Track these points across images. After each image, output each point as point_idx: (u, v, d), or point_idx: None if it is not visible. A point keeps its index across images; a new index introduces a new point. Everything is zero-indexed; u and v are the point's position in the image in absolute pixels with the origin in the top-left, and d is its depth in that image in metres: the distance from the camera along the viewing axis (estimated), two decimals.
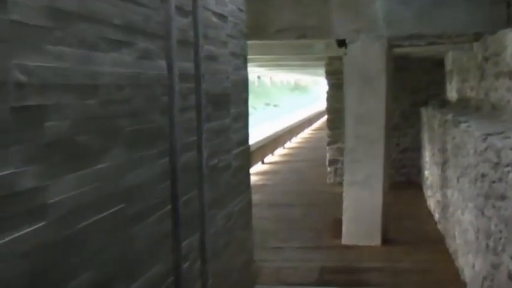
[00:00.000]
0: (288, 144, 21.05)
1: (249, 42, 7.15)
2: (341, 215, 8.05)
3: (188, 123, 4.02)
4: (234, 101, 5.28)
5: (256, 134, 19.54)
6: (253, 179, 13.58)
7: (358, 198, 7.73)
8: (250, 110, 18.03)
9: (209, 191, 4.43)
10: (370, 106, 7.46)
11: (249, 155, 6.08)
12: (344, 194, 7.92)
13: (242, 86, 5.61)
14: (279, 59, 13.84)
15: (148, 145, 3.34)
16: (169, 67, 3.68)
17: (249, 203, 6.01)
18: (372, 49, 7.46)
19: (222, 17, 4.93)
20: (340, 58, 11.69)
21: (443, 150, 7.96)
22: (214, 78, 4.66)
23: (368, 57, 7.49)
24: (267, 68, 20.38)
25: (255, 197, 11.30)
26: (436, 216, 8.87)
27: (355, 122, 7.55)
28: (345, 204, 7.91)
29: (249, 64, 15.26)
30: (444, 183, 7.84)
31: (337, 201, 10.27)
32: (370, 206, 7.70)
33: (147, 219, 3.30)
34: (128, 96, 3.06)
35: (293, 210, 10.04)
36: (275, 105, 28.15)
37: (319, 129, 27.62)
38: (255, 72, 25.99)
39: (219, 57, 4.81)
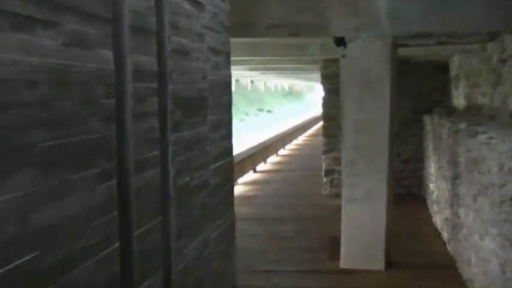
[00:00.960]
0: (282, 152, 20.18)
1: (235, 40, 6.31)
2: (338, 231, 7.17)
3: (147, 134, 3.14)
4: (213, 105, 4.41)
5: (248, 141, 18.68)
6: (243, 189, 12.76)
7: (358, 217, 6.85)
8: (243, 116, 17.21)
9: (177, 217, 3.55)
10: (372, 113, 6.59)
11: (232, 170, 5.21)
12: (342, 212, 7.03)
13: (223, 88, 4.73)
14: (271, 61, 12.98)
15: (81, 165, 2.45)
16: (119, 60, 2.80)
17: (231, 226, 5.14)
18: (374, 49, 6.59)
19: (197, 3, 4.05)
20: (337, 61, 10.86)
21: (453, 163, 7.10)
22: (185, 78, 3.78)
23: (369, 57, 6.61)
24: (260, 72, 19.52)
25: (244, 211, 10.48)
26: (445, 235, 8.00)
27: (355, 131, 6.68)
28: (344, 223, 7.02)
29: (238, 67, 14.25)
30: (455, 201, 6.98)
31: (333, 215, 9.38)
32: (372, 226, 6.81)
33: (79, 266, 2.41)
34: (44, 98, 2.17)
35: (285, 225, 9.15)
36: (269, 111, 27.28)
37: (314, 135, 26.77)
38: (247, 77, 25.18)
39: (192, 53, 3.93)
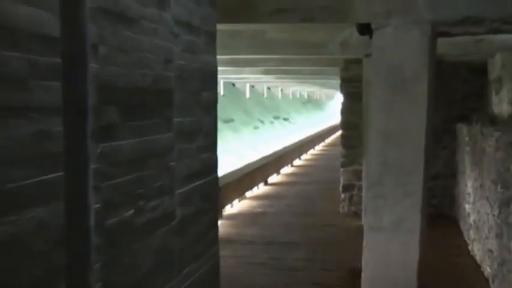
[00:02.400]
0: (297, 162, 18.78)
1: (243, 32, 4.98)
2: (358, 262, 5.79)
3: (36, 144, 1.79)
4: (183, 103, 3.06)
5: (261, 150, 17.34)
6: (250, 205, 11.28)
7: (384, 250, 5.44)
8: (257, 123, 15.82)
9: (105, 274, 2.20)
10: (405, 121, 5.19)
11: (216, 194, 3.84)
12: (364, 243, 5.62)
13: (202, 80, 3.38)
14: (285, 61, 11.63)
15: None
16: None
17: (213, 272, 3.76)
18: (409, 39, 5.19)
19: None
20: (359, 61, 9.50)
21: (503, 183, 5.70)
22: (128, 58, 2.43)
23: (402, 50, 5.22)
24: (275, 76, 18.18)
25: (249, 232, 9.08)
26: (487, 270, 6.60)
27: (382, 144, 5.28)
28: (366, 256, 5.61)
29: (251, 69, 12.69)
30: (505, 231, 5.58)
31: (352, 240, 8.02)
32: (402, 261, 5.40)
33: None
34: None
35: (296, 252, 7.76)
36: (285, 119, 25.92)
37: (332, 145, 25.36)
38: (263, 82, 23.88)
39: (143, 22, 2.58)
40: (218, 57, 4.03)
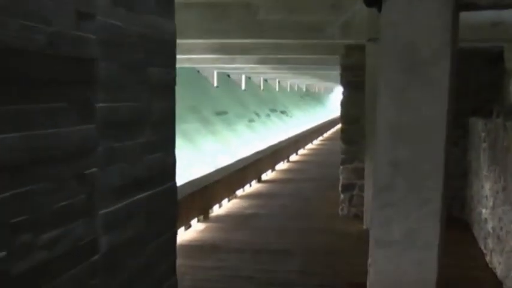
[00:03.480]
0: (293, 157, 17.79)
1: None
2: (360, 277, 4.82)
3: None
4: (115, 82, 2.06)
5: (255, 144, 16.37)
6: (240, 205, 10.15)
7: (395, 270, 4.45)
8: (252, 116, 14.80)
9: None
10: (422, 112, 4.19)
11: (172, 211, 2.84)
12: (370, 261, 4.62)
13: (148, 52, 2.38)
14: (277, 47, 10.65)
15: None
16: None
17: None
18: (428, 11, 4.20)
19: None
20: (361, 48, 8.52)
21: None
22: None
23: (420, 25, 4.23)
24: (270, 66, 17.17)
25: (236, 237, 7.87)
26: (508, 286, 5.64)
27: (393, 140, 4.27)
28: (372, 277, 4.61)
29: (243, 57, 11.56)
30: None
31: (353, 247, 7.07)
32: (415, 280, 4.42)
33: None
34: None
35: (288, 263, 6.78)
36: (282, 112, 24.94)
37: (330, 139, 24.38)
38: (259, 74, 22.89)
39: None
40: (205, 41, 3.10)
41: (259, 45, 10.57)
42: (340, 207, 9.26)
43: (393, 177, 4.27)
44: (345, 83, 9.51)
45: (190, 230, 8.19)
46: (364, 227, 8.19)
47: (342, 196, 9.26)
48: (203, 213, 8.88)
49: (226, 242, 7.58)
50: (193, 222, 8.55)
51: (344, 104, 9.50)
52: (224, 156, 12.86)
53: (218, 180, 9.76)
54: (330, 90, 45.22)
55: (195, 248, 7.31)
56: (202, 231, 8.16)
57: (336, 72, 17.75)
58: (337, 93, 48.70)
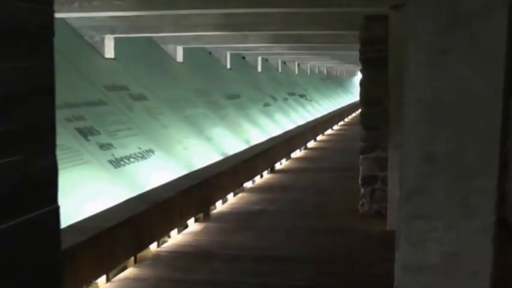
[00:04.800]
0: (312, 144, 16.58)
1: None
2: None
3: None
4: None
5: (270, 130, 15.17)
6: (247, 200, 8.34)
7: None
8: (269, 100, 13.53)
9: None
10: (468, 87, 2.97)
11: (55, 251, 1.66)
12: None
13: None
14: (290, 23, 9.46)
15: None
16: None
17: None
18: None
19: None
20: (383, 18, 7.31)
21: None
22: None
23: None
24: (288, 47, 15.96)
25: (236, 240, 6.51)
26: None
27: (428, 127, 3.05)
28: None
29: (251, 37, 10.53)
30: None
31: (374, 254, 5.91)
32: None
33: None
34: None
35: (295, 275, 5.59)
36: (301, 96, 23.67)
37: (352, 124, 23.12)
38: (276, 56, 21.66)
39: None
40: (207, 12, 1.98)
41: (267, 18, 9.39)
42: (360, 202, 8.05)
43: (428, 176, 3.06)
44: (364, 59, 8.26)
45: (185, 232, 7.04)
46: (388, 228, 7.00)
47: (362, 190, 8.04)
48: (203, 210, 7.72)
49: (224, 248, 6.42)
50: (191, 221, 7.39)
51: (364, 84, 8.26)
52: (233, 143, 11.66)
53: (222, 171, 8.59)
54: (352, 74, 43.85)
55: (186, 256, 6.16)
56: (199, 233, 7.01)
57: (357, 53, 16.50)
58: (359, 76, 47.08)
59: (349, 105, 29.75)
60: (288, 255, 6.17)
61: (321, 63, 31.01)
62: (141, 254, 5.92)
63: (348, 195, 8.91)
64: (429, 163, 3.04)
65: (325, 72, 35.28)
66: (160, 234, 6.38)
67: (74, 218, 5.93)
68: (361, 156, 8.08)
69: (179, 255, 6.15)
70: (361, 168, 8.06)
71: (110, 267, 5.29)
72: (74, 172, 7.00)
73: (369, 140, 8.03)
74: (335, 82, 36.36)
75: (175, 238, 6.73)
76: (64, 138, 7.49)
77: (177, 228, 6.91)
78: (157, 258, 6.03)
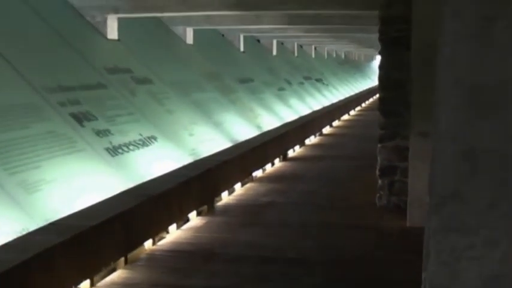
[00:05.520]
0: (327, 129, 15.92)
1: None
2: None
3: None
4: None
5: (283, 115, 14.53)
6: (257, 190, 7.47)
7: None
8: (283, 84, 12.86)
9: None
10: None
11: None
12: None
13: None
14: (301, 0, 8.81)
15: None
16: None
17: None
18: None
19: None
20: None
21: None
22: None
23: None
24: (303, 29, 15.30)
25: (243, 237, 5.88)
26: None
27: (468, 115, 2.40)
28: None
29: (265, 18, 10.01)
30: None
31: (393, 254, 5.28)
32: None
33: None
34: None
35: (305, 281, 4.97)
36: (317, 80, 22.96)
37: (370, 109, 22.41)
38: (292, 39, 20.99)
39: None
40: None
41: None
42: (378, 194, 7.40)
43: (467, 179, 2.39)
44: (384, 39, 7.55)
45: (185, 227, 6.42)
46: (408, 224, 6.36)
47: (379, 182, 7.38)
48: (207, 203, 7.11)
49: (226, 246, 5.81)
50: (193, 215, 6.78)
51: (383, 66, 7.56)
52: (244, 129, 11.03)
53: (228, 160, 7.96)
54: (370, 58, 43.14)
55: (184, 255, 5.55)
56: (200, 229, 6.39)
57: (376, 36, 15.79)
58: (378, 61, 46.30)
59: (367, 90, 29.05)
60: (296, 256, 5.54)
61: (338, 47, 30.35)
62: (133, 254, 5.32)
63: (364, 186, 8.28)
64: (469, 162, 2.38)
65: (342, 56, 34.59)
66: (155, 232, 5.77)
67: (62, 213, 5.37)
68: (379, 145, 7.42)
69: (176, 254, 5.55)
70: (379, 157, 7.40)
71: (95, 271, 4.68)
72: (64, 161, 6.40)
73: (387, 128, 7.36)
74: (353, 67, 35.63)
75: (173, 234, 6.12)
76: (56, 125, 6.91)
77: (177, 223, 6.29)
78: (151, 258, 5.42)
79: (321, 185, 8.81)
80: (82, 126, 7.24)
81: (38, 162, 6.04)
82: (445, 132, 2.40)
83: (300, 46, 24.58)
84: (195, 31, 13.11)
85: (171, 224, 6.13)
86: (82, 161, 6.69)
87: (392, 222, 6.55)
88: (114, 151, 7.32)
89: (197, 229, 6.36)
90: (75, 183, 6.26)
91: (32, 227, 5.03)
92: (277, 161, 10.61)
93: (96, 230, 4.62)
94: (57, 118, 6.98)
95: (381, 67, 7.62)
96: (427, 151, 6.16)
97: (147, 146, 8.04)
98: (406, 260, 5.20)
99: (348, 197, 7.96)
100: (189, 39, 13.04)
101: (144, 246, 5.59)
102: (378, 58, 7.89)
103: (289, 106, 16.21)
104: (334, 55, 32.54)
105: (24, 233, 4.87)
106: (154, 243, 5.76)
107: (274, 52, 19.64)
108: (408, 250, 5.55)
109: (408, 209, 6.46)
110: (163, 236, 6.01)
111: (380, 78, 7.59)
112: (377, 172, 7.39)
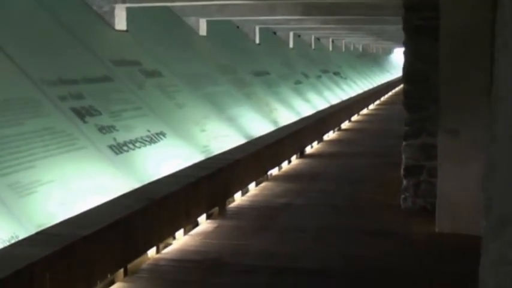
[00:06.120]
0: (346, 125, 15.36)
1: None
2: None
3: None
4: None
5: (300, 110, 13.98)
6: (273, 191, 6.92)
7: None
8: (300, 77, 12.29)
9: None
10: None
11: None
12: None
13: None
14: None
15: None
16: None
17: None
18: None
19: None
20: None
21: None
22: None
23: None
24: (320, 21, 14.76)
25: (256, 245, 5.31)
26: None
27: None
28: None
29: (279, 9, 9.29)
30: None
31: (420, 265, 4.73)
32: None
33: None
34: None
35: None
36: (335, 73, 22.37)
37: (390, 103, 21.82)
38: (309, 31, 20.42)
39: None
40: None
41: None
42: (403, 196, 6.84)
43: None
44: (409, 28, 6.97)
45: (193, 232, 5.90)
46: (437, 229, 5.82)
47: (404, 182, 6.83)
48: (218, 205, 6.60)
49: (238, 255, 5.28)
50: (203, 218, 6.28)
51: (407, 57, 6.99)
52: (259, 124, 10.50)
53: (241, 158, 7.44)
54: (388, 52, 42.48)
55: (190, 266, 5.04)
56: (210, 234, 5.87)
57: (395, 28, 15.11)
58: (396, 54, 45.66)
59: (386, 83, 28.43)
60: (314, 267, 5.01)
61: (356, 40, 29.72)
62: (134, 264, 4.81)
63: (386, 186, 7.73)
64: None
65: (360, 49, 33.92)
66: (159, 239, 5.26)
67: (58, 218, 4.88)
68: (403, 143, 6.86)
69: (182, 264, 5.04)
70: (403, 156, 6.85)
71: (88, 285, 4.19)
72: (62, 160, 5.91)
73: (412, 123, 6.80)
74: (370, 60, 34.94)
75: (180, 240, 5.62)
76: (55, 120, 6.42)
77: (184, 228, 5.79)
78: (153, 269, 4.92)
79: (339, 184, 8.27)
80: (84, 122, 6.75)
81: (32, 162, 5.55)
82: (500, 129, 1.86)
83: (317, 39, 24.01)
84: (208, 22, 12.60)
85: (177, 230, 5.62)
86: (82, 160, 6.21)
87: (419, 228, 6.01)
88: (119, 149, 6.83)
89: (206, 235, 5.84)
90: (74, 184, 5.76)
91: (23, 234, 4.54)
92: (294, 158, 10.07)
93: (89, 239, 4.12)
94: (56, 113, 6.50)
95: (405, 58, 7.06)
96: (458, 150, 5.52)
97: (155, 142, 7.54)
98: (437, 271, 4.68)
99: (369, 198, 7.41)
100: (202, 30, 12.53)
101: (147, 254, 5.09)
102: (396, 51, 7.34)
103: (307, 100, 15.66)
104: (352, 48, 31.89)
105: (13, 241, 4.39)
106: (158, 251, 5.25)
107: (291, 45, 19.09)
108: (437, 260, 5.02)
109: (437, 213, 5.92)
110: (170, 242, 5.51)
111: (404, 70, 7.03)
112: (401, 172, 6.83)
